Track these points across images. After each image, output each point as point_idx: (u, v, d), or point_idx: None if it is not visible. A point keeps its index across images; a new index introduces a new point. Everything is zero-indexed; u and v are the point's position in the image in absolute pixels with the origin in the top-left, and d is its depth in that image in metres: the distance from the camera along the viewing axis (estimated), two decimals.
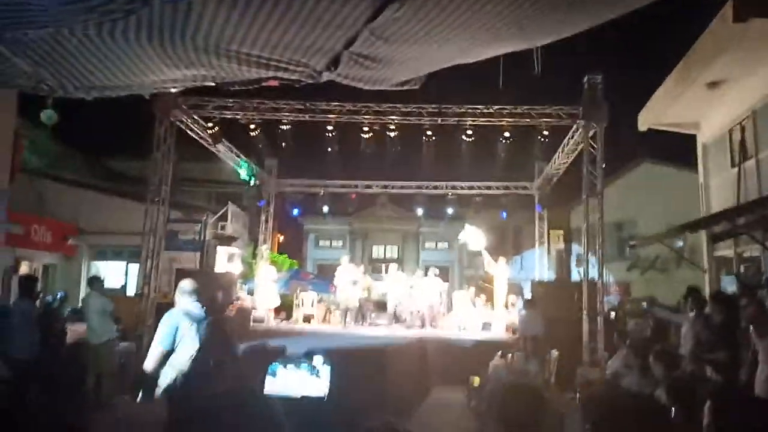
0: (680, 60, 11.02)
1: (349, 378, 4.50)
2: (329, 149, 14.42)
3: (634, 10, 3.45)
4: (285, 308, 17.20)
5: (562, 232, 30.37)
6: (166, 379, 5.13)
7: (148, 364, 5.22)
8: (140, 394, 5.17)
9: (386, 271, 15.98)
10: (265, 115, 13.87)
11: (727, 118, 11.82)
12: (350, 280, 15.18)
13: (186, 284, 5.77)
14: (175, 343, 5.32)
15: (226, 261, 18.32)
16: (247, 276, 23.77)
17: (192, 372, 5.02)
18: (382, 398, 6.61)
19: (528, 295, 13.70)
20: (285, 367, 4.38)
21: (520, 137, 14.09)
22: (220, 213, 19.38)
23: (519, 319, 11.42)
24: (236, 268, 18.49)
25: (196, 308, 5.62)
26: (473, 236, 16.42)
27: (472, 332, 14.62)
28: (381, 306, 16.56)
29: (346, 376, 4.41)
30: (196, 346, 5.29)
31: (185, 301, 5.66)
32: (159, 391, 5.08)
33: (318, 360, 4.40)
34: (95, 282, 9.54)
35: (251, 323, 14.41)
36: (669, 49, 25.02)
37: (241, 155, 17.28)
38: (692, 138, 13.36)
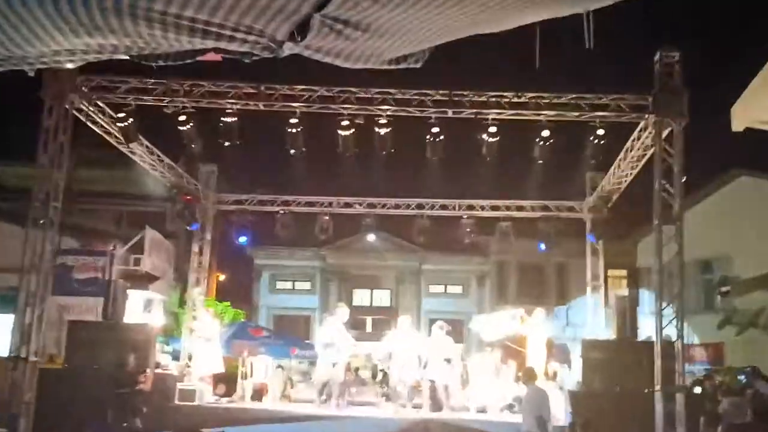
0: None
1: None
2: (292, 151, 14.47)
3: None
4: (226, 379, 17.01)
5: (625, 272, 30.70)
6: None
7: None
8: None
9: (373, 327, 15.92)
10: (202, 102, 13.90)
11: None
12: (336, 341, 15.04)
13: None
14: None
15: (142, 310, 18.17)
16: (172, 332, 23.66)
17: None
18: None
19: (542, 362, 13.73)
20: None
21: (565, 138, 14.22)
22: (134, 242, 19.33)
23: (524, 398, 11.30)
24: (156, 320, 18.32)
25: None
26: (493, 326, 16.49)
27: (496, 414, 14.50)
28: (366, 375, 16.46)
29: None
30: None
31: None
32: None
33: None
34: None
35: (176, 400, 14.23)
36: None
37: (166, 158, 17.27)
38: None
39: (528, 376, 10.43)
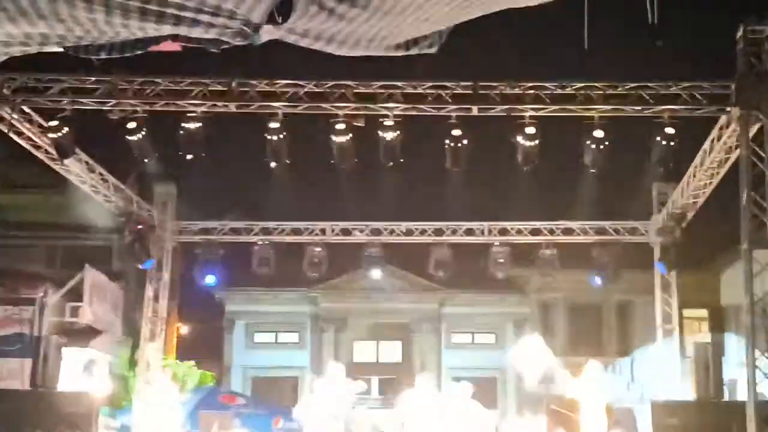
0: None
1: None
2: (273, 164, 14.51)
3: None
4: None
5: (705, 312, 30.48)
6: None
7: None
8: None
9: (380, 390, 15.86)
10: (157, 104, 13.94)
11: None
12: (331, 409, 14.98)
13: None
14: None
15: (81, 373, 18.13)
16: (120, 402, 23.54)
17: None
18: None
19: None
20: None
21: (625, 140, 14.24)
22: (70, 285, 19.33)
23: None
24: (100, 386, 18.24)
25: None
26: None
27: None
28: None
29: None
30: None
31: None
32: None
33: None
34: None
35: None
36: None
37: (111, 178, 17.32)
38: None
39: None
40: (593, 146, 14.03)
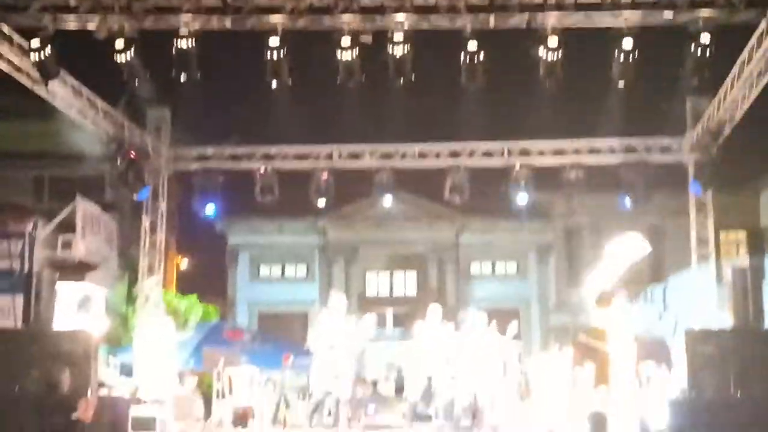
0: None
1: None
2: (274, 84, 14.46)
3: None
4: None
5: (744, 234, 30.44)
6: None
7: None
8: None
9: (395, 323, 16.00)
10: (146, 21, 13.89)
11: None
12: (340, 342, 15.19)
13: None
14: None
15: (76, 311, 18.33)
16: (119, 340, 23.84)
17: None
18: None
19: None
20: None
21: (656, 50, 14.10)
22: (61, 217, 19.45)
23: None
24: (97, 323, 18.45)
25: None
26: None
27: None
28: (388, 389, 16.65)
29: None
30: None
31: None
32: None
33: None
34: None
35: (129, 430, 14.47)
36: None
37: (100, 102, 17.33)
38: None
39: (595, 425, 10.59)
40: (621, 57, 13.89)
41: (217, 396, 16.67)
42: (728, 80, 16.41)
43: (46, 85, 15.37)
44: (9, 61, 14.74)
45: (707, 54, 13.93)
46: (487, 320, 15.92)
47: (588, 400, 15.57)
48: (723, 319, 18.13)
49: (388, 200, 20.05)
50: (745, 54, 15.31)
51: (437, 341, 15.78)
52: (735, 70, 15.90)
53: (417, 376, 15.77)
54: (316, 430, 14.90)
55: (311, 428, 15.14)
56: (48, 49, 14.06)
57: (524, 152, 19.17)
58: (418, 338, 16.10)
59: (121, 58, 14.06)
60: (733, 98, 16.64)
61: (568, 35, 13.83)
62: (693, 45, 13.79)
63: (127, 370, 19.21)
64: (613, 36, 13.85)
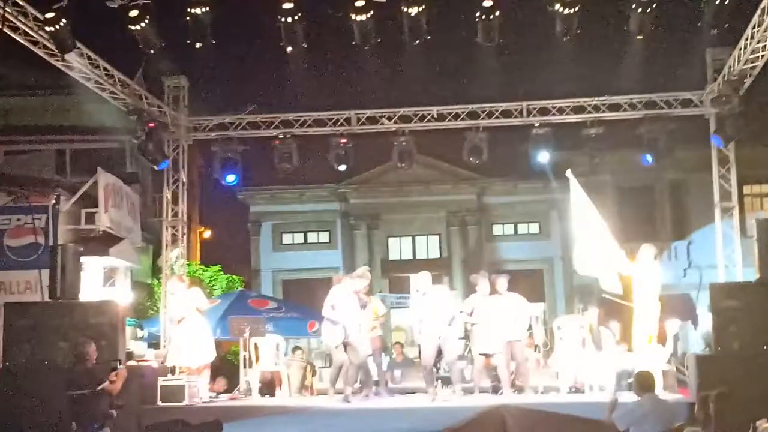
0: None
1: None
2: (289, 49, 14.41)
3: None
4: (224, 369, 17.22)
5: None
6: None
7: None
8: None
9: (418, 289, 15.92)
10: None
11: None
12: (360, 309, 15.20)
13: None
14: None
15: (102, 284, 18.45)
16: (146, 311, 24.02)
17: None
18: None
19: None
20: None
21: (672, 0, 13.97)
22: (83, 190, 19.45)
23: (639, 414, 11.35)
24: (123, 296, 18.59)
25: None
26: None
27: (595, 396, 14.65)
28: (414, 353, 16.67)
29: None
30: None
31: None
32: None
33: None
34: None
35: (158, 401, 14.58)
36: None
37: (117, 73, 17.35)
38: None
39: (642, 384, 10.48)
40: (639, 9, 13.79)
41: (244, 365, 16.76)
42: (748, 30, 16.17)
43: (63, 58, 15.40)
44: (25, 34, 14.70)
45: (726, 3, 13.79)
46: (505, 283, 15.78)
47: (613, 361, 15.56)
48: (749, 273, 18.03)
49: (408, 164, 19.91)
50: (765, 2, 15.09)
51: (460, 306, 15.76)
52: (755, 18, 15.66)
53: (431, 340, 15.68)
54: (345, 401, 14.87)
55: (336, 395, 15.17)
56: (63, 21, 14.02)
57: (543, 111, 18.99)
58: (439, 300, 16.01)
59: (135, 27, 14.07)
60: (754, 48, 16.40)
61: None
62: None
63: (154, 342, 19.38)
64: None
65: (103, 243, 19.07)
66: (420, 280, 15.41)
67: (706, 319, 15.60)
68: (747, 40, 16.47)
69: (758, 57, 16.65)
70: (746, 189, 25.54)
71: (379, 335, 16.57)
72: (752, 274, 16.06)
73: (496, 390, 15.41)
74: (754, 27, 15.95)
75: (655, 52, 15.98)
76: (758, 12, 15.47)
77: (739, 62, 17.15)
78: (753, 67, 17.06)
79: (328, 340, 15.42)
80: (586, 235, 15.70)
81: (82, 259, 16.25)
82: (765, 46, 16.20)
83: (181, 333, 15.86)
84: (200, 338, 15.84)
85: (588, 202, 15.81)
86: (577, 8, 13.76)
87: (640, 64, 17.03)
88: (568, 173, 15.99)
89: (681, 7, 14.70)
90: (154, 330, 20.24)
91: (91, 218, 19.01)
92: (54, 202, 18.34)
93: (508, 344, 15.26)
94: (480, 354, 15.40)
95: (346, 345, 14.87)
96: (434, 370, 15.59)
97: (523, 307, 15.84)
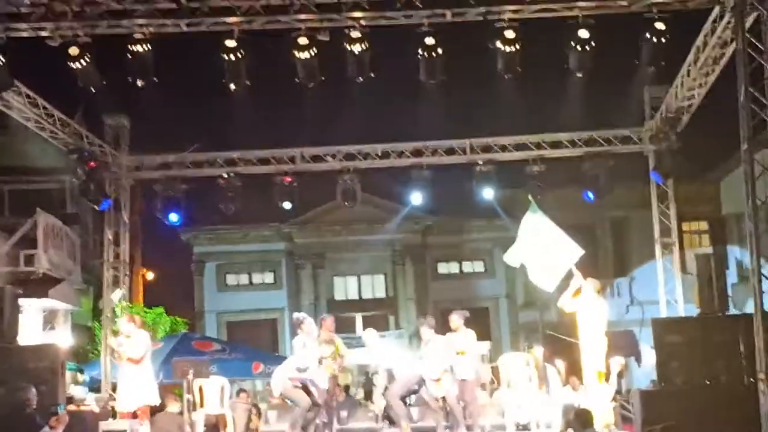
0: None
1: None
2: (233, 87, 14.37)
3: None
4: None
5: (705, 224, 30.70)
6: None
7: None
8: None
9: (365, 327, 15.87)
10: (100, 26, 13.76)
11: None
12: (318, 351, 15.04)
13: None
14: None
15: (42, 327, 18.14)
16: (86, 355, 23.61)
17: None
18: None
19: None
20: None
21: (612, 39, 14.13)
22: (22, 232, 19.16)
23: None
24: (63, 339, 18.29)
25: None
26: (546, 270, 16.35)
27: None
28: (359, 394, 16.51)
29: None
30: None
31: None
32: None
33: None
34: None
35: None
36: None
37: (57, 112, 17.17)
38: None
39: (582, 421, 10.53)
40: (578, 48, 13.91)
41: (188, 408, 16.51)
42: (684, 68, 16.52)
43: (1, 96, 15.22)
44: None
45: (663, 42, 14.01)
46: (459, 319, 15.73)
47: (560, 396, 15.59)
48: (689, 308, 18.23)
49: (352, 203, 19.92)
50: (699, 40, 15.38)
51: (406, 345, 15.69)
52: (690, 57, 15.98)
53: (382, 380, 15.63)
54: None
55: None
56: (1, 59, 13.90)
57: (486, 148, 19.17)
58: (389, 343, 15.98)
59: (75, 65, 13.95)
60: (690, 86, 16.73)
61: (524, 27, 13.86)
62: (648, 33, 13.87)
63: (95, 386, 19.04)
64: (569, 27, 13.88)
65: (43, 285, 18.81)
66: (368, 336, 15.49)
67: (649, 355, 15.71)
68: (683, 77, 16.81)
69: (694, 94, 16.98)
70: (685, 226, 25.84)
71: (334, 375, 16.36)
72: (693, 310, 16.28)
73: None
74: (689, 65, 16.28)
75: (594, 90, 16.15)
76: (693, 50, 15.80)
77: (676, 99, 17.48)
78: (689, 105, 17.40)
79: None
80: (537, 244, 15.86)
81: (21, 301, 15.97)
82: (700, 83, 16.52)
83: (122, 376, 15.59)
84: (142, 381, 15.57)
85: (545, 220, 15.98)
86: (517, 46, 13.90)
87: (579, 102, 17.24)
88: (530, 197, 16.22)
89: (619, 45, 14.90)
90: (95, 374, 19.90)
91: (30, 260, 18.72)
92: None
93: (461, 383, 15.18)
94: (430, 379, 15.26)
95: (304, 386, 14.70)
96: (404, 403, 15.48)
97: (475, 346, 15.82)
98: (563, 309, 15.43)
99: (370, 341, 15.55)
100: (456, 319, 15.39)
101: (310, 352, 14.67)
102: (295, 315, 15.29)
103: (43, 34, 13.84)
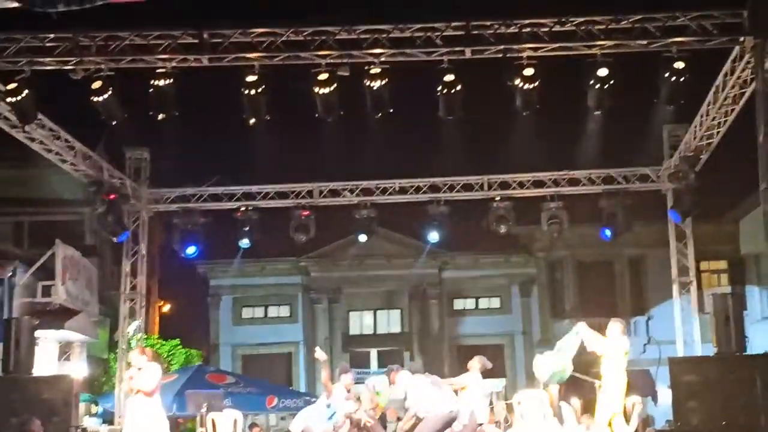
0: None
1: None
2: (252, 121, 14.51)
3: None
4: None
5: (725, 263, 30.46)
6: None
7: None
8: None
9: (380, 362, 15.77)
10: (122, 60, 13.94)
11: None
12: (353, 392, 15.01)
13: None
14: None
15: (57, 358, 18.20)
16: (101, 387, 23.62)
17: None
18: None
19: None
20: None
21: (631, 78, 14.22)
22: (40, 263, 19.32)
23: None
24: (78, 370, 18.35)
25: None
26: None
27: None
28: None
29: None
30: None
31: None
32: None
33: None
34: None
35: None
36: None
37: (78, 144, 17.31)
38: None
39: None
40: (597, 86, 13.99)
41: None
42: (703, 107, 16.56)
43: (24, 129, 15.40)
44: None
45: (682, 81, 14.07)
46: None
47: None
48: (706, 348, 18.13)
49: (369, 238, 20.05)
50: (719, 80, 15.44)
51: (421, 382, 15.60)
52: (710, 96, 16.04)
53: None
54: None
55: None
56: (25, 92, 14.04)
57: (503, 185, 19.21)
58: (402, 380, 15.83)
59: (98, 99, 14.09)
60: (709, 125, 16.77)
61: (543, 65, 13.95)
62: (668, 72, 13.95)
63: (108, 418, 19.06)
64: (588, 65, 13.97)
65: (59, 316, 18.91)
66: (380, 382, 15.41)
67: (665, 395, 15.60)
68: (702, 117, 16.84)
69: (713, 133, 17.00)
70: (703, 265, 25.73)
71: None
72: (711, 350, 16.20)
73: None
74: (708, 104, 16.32)
75: (613, 128, 16.21)
76: (713, 90, 15.85)
77: (695, 138, 17.50)
78: (708, 144, 17.41)
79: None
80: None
81: (37, 332, 16.06)
82: (720, 122, 16.55)
83: (133, 408, 15.61)
84: (153, 414, 15.58)
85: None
86: (536, 83, 13.98)
87: (598, 140, 17.30)
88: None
89: (638, 83, 14.98)
90: (109, 406, 19.91)
91: (47, 291, 18.87)
92: (10, 274, 18.17)
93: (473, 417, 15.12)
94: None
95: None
96: None
97: (485, 383, 15.76)
98: (595, 353, 15.33)
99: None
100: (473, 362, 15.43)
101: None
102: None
103: (67, 67, 13.98)
